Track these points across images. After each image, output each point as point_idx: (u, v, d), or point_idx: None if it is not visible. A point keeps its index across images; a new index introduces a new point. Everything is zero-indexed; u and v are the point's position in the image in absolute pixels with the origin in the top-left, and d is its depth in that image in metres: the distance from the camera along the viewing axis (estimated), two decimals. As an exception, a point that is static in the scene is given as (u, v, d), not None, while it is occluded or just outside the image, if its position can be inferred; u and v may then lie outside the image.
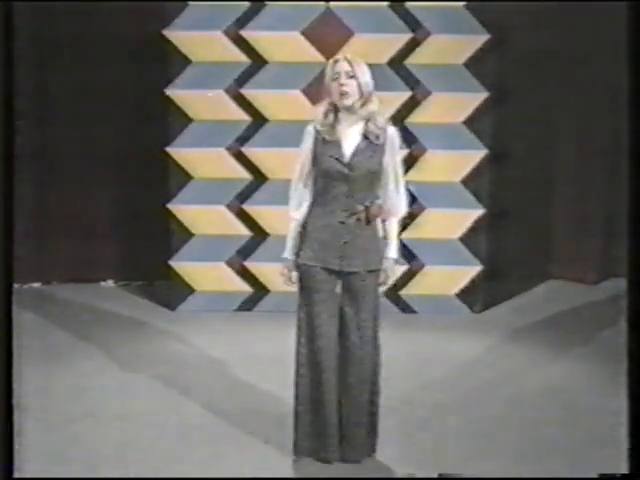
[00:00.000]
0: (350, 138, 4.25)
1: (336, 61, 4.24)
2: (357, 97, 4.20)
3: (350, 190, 4.24)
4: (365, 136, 4.24)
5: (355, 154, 4.22)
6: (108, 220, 7.64)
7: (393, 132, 4.30)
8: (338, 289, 4.36)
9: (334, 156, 4.22)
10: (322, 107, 4.30)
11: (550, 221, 7.80)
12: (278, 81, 6.75)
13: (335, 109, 4.25)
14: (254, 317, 6.87)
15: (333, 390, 4.35)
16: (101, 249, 7.63)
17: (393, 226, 4.40)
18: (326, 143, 4.24)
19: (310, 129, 4.30)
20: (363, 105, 4.22)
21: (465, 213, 6.91)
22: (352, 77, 4.19)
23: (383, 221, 4.37)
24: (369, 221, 4.26)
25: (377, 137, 4.24)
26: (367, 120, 4.24)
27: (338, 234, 4.26)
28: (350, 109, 4.22)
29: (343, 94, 4.18)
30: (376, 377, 4.41)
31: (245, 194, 6.90)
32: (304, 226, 4.34)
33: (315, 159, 4.28)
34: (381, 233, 4.38)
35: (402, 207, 4.39)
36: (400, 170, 4.36)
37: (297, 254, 4.35)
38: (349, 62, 4.21)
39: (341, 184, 4.24)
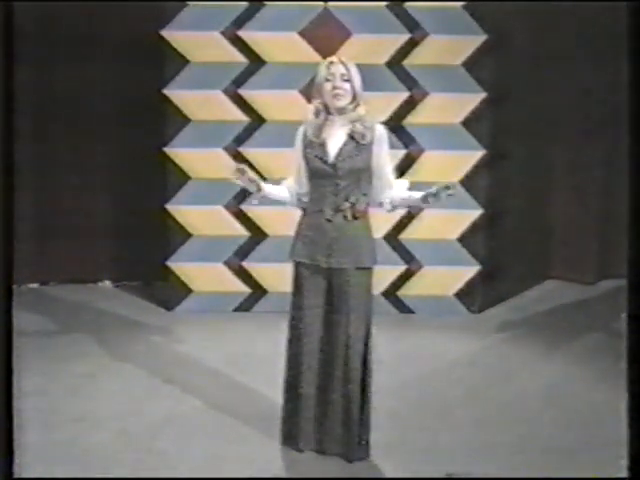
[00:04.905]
0: (336, 139, 4.32)
1: (331, 62, 4.30)
2: (350, 99, 4.28)
3: (336, 188, 4.31)
4: (351, 136, 4.30)
5: (339, 154, 4.30)
6: (106, 220, 7.63)
7: (382, 131, 4.38)
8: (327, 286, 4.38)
9: (319, 156, 4.32)
10: (312, 107, 4.37)
11: (548, 221, 7.80)
12: (276, 81, 6.76)
13: (326, 109, 4.30)
14: (252, 318, 6.87)
15: (310, 387, 4.40)
16: (99, 249, 7.63)
17: (404, 193, 4.40)
18: (312, 143, 4.34)
19: (300, 130, 4.41)
20: (354, 108, 4.30)
21: (463, 214, 6.91)
22: (347, 80, 4.26)
23: (393, 208, 4.41)
24: (356, 217, 4.32)
25: (363, 137, 4.30)
26: (354, 121, 4.30)
27: (325, 231, 4.33)
28: (341, 110, 4.30)
29: (337, 95, 4.26)
30: (366, 378, 4.41)
31: (243, 194, 6.88)
32: (298, 224, 4.43)
33: (305, 159, 4.37)
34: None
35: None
36: (389, 167, 4.39)
37: (290, 251, 4.42)
38: (344, 65, 4.28)
39: (327, 183, 4.32)
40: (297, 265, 4.41)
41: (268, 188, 4.44)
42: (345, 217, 4.31)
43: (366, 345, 4.38)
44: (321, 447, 4.46)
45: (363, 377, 4.40)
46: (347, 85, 4.26)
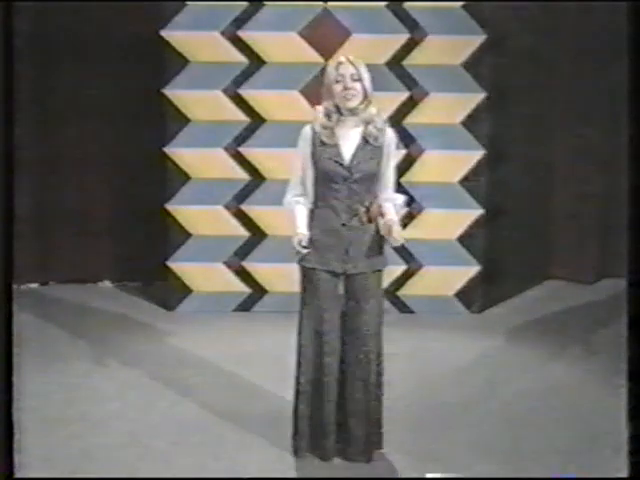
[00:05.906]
0: (349, 140, 4.25)
1: (340, 63, 4.21)
2: (361, 99, 4.21)
3: (350, 192, 4.24)
4: (364, 138, 4.24)
5: (355, 157, 4.23)
6: (106, 220, 7.63)
7: (391, 134, 4.32)
8: (340, 289, 4.35)
9: (333, 159, 4.22)
10: (322, 109, 4.28)
11: (548, 221, 7.80)
12: (276, 81, 6.76)
13: (337, 110, 4.25)
14: (252, 317, 6.87)
15: (333, 391, 4.35)
16: (99, 249, 7.63)
17: (388, 209, 4.31)
18: (325, 145, 4.24)
19: (307, 130, 4.30)
20: (366, 107, 4.23)
21: (463, 213, 6.91)
22: (357, 80, 4.18)
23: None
24: (370, 221, 4.26)
25: (376, 139, 4.24)
26: (367, 122, 4.24)
27: (341, 237, 4.26)
28: (353, 111, 4.22)
29: (349, 97, 4.18)
30: (380, 378, 4.42)
31: (243, 194, 6.90)
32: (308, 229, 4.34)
33: (314, 161, 4.27)
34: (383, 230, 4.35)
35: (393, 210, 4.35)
36: (390, 171, 4.35)
37: (300, 256, 4.33)
38: (354, 64, 4.20)
39: (341, 186, 4.24)
40: (307, 270, 4.32)
41: (305, 225, 4.28)
42: (361, 221, 4.27)
43: (379, 346, 4.38)
44: (348, 455, 4.40)
45: (378, 378, 4.41)
46: (358, 85, 4.18)
